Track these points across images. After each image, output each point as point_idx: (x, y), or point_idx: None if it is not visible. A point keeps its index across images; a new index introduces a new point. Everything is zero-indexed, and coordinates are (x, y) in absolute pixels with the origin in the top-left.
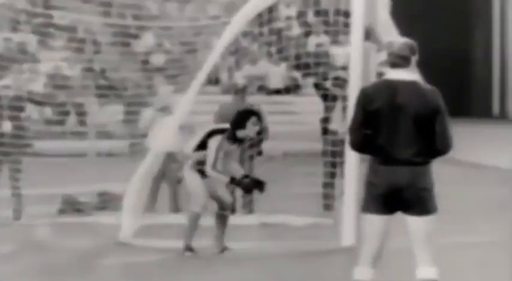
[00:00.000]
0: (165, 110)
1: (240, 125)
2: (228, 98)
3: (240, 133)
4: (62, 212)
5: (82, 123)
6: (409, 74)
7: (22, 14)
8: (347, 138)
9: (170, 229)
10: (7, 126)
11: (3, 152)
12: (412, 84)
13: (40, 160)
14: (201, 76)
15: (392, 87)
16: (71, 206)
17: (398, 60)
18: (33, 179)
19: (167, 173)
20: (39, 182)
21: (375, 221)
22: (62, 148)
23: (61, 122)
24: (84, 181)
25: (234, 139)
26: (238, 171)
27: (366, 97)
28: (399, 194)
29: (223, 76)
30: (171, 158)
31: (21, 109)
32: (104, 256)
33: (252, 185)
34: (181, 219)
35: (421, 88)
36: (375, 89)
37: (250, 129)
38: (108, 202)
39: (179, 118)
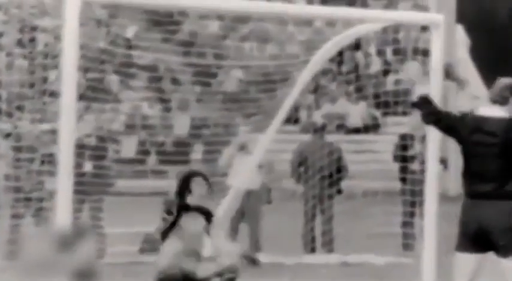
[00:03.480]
0: (245, 148)
1: (184, 191)
2: (307, 137)
3: (192, 200)
4: (143, 251)
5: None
6: (502, 111)
7: (104, 54)
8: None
9: (250, 268)
10: (88, 166)
11: (84, 192)
12: (502, 120)
13: (122, 199)
14: (281, 115)
15: (483, 121)
16: (152, 245)
17: (499, 99)
18: (115, 218)
19: (247, 211)
20: (121, 221)
21: (466, 260)
22: (144, 186)
23: (142, 161)
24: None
25: (187, 208)
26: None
27: (465, 121)
28: (487, 234)
29: (303, 115)
30: (250, 197)
31: (102, 149)
32: None
33: None
34: (261, 258)
35: (509, 123)
36: (471, 120)
37: (198, 191)
38: None
39: (258, 157)
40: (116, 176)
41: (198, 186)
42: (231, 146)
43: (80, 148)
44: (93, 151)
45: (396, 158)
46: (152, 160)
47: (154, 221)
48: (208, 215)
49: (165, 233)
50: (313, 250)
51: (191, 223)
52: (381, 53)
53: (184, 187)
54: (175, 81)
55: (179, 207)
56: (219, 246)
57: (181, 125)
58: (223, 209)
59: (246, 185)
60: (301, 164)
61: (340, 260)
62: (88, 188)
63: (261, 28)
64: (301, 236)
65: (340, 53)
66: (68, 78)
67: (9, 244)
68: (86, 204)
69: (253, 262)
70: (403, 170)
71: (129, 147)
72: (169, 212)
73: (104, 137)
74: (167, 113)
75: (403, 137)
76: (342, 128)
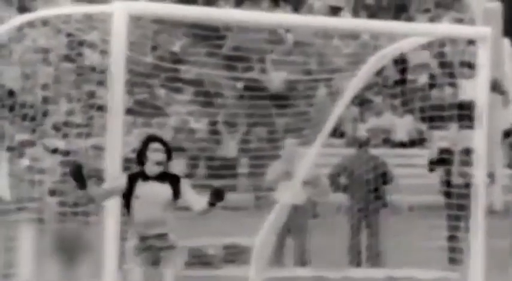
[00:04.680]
0: (292, 162)
1: (141, 158)
2: (351, 151)
3: (148, 168)
4: (190, 265)
5: (209, 176)
6: None
7: (151, 69)
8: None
9: None
10: None
11: None
12: None
13: None
14: (326, 129)
15: None
16: (199, 259)
17: None
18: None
19: (293, 225)
20: None
21: None
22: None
23: (189, 176)
24: (211, 233)
25: (145, 176)
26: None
27: None
28: None
29: (348, 128)
30: (297, 211)
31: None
32: None
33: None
34: (308, 272)
35: None
36: None
37: (153, 158)
38: (235, 255)
39: (305, 171)
40: None
41: (153, 153)
42: (278, 161)
43: (128, 162)
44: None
45: (432, 170)
46: (199, 173)
47: (201, 234)
48: (174, 180)
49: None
50: (358, 264)
51: (149, 192)
52: (426, 66)
53: (140, 153)
54: (221, 95)
55: (133, 175)
56: (191, 202)
57: (228, 141)
58: (270, 223)
59: (292, 199)
60: (344, 177)
61: (386, 274)
62: None
63: (305, 41)
64: (347, 250)
65: (386, 67)
66: (115, 92)
67: None
68: None
69: None
70: (446, 184)
71: (176, 161)
72: (77, 178)
73: None
74: (214, 127)
75: (442, 151)
76: (387, 142)
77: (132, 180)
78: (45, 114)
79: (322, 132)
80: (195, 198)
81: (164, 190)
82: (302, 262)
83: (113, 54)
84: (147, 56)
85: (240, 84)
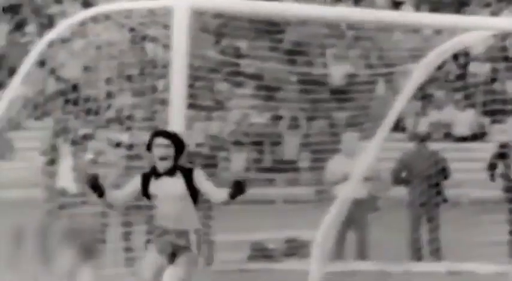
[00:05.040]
0: (353, 156)
1: (149, 152)
2: (412, 146)
3: (156, 164)
4: (252, 258)
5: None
6: None
7: (212, 63)
8: None
9: (357, 276)
10: None
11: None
12: None
13: (232, 207)
14: (387, 123)
15: None
16: (261, 252)
17: None
18: (224, 226)
19: (354, 220)
20: (231, 229)
21: None
22: (252, 194)
23: (248, 170)
24: (272, 227)
25: (157, 173)
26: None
27: None
28: None
29: (409, 123)
30: (357, 205)
31: (213, 158)
32: None
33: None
34: (368, 266)
35: None
36: None
37: (156, 153)
38: (297, 249)
39: (366, 165)
40: (225, 185)
41: (156, 148)
42: (338, 155)
43: (190, 156)
44: (204, 159)
45: (491, 166)
46: (260, 167)
47: (262, 228)
48: (187, 173)
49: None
50: (419, 259)
51: (162, 189)
52: (489, 59)
53: (148, 149)
54: (281, 89)
55: (146, 174)
56: (208, 193)
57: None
58: (331, 217)
59: (353, 194)
60: (404, 172)
61: (447, 268)
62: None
63: (366, 35)
64: (408, 245)
65: (447, 61)
66: (177, 87)
67: (125, 252)
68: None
69: None
70: (505, 178)
71: (238, 156)
72: (94, 188)
73: (216, 146)
74: (275, 121)
75: (503, 145)
76: (448, 136)
77: (146, 179)
78: (108, 108)
79: (383, 127)
80: (213, 189)
81: (176, 184)
82: (363, 256)
83: (175, 49)
84: (209, 51)
85: (299, 78)
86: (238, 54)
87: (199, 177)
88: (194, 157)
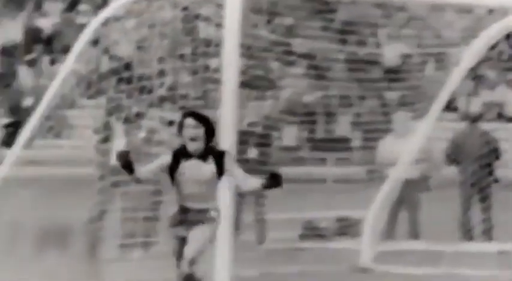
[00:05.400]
0: (404, 136)
1: (179, 132)
2: (463, 126)
3: (186, 145)
4: (304, 237)
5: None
6: None
7: (264, 42)
8: None
9: (409, 255)
10: (253, 152)
11: None
12: None
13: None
14: (439, 103)
15: None
16: (312, 231)
17: None
18: (276, 204)
19: (406, 199)
20: (282, 208)
21: None
22: (303, 173)
23: (297, 148)
24: (324, 206)
25: (187, 155)
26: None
27: None
28: None
29: (461, 102)
30: (409, 185)
31: (266, 137)
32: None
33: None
34: (420, 245)
35: None
36: None
37: (186, 134)
38: (348, 228)
39: (418, 145)
40: (278, 163)
41: (186, 129)
42: (390, 135)
43: (244, 135)
44: (258, 138)
45: None
46: (312, 147)
47: (313, 207)
48: (219, 157)
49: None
50: (470, 238)
51: (192, 171)
52: None
53: (179, 129)
54: (333, 69)
55: (177, 152)
56: (239, 180)
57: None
58: (382, 197)
59: (404, 173)
60: (456, 152)
61: (498, 248)
62: (252, 174)
63: (418, 15)
64: (458, 224)
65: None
66: (229, 66)
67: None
68: None
69: None
70: None
71: (289, 133)
72: (124, 165)
73: (269, 125)
74: (327, 100)
75: None
76: (500, 116)
77: (177, 157)
78: (161, 86)
79: (435, 107)
80: (244, 176)
81: (207, 168)
82: (414, 235)
83: (227, 28)
84: (262, 30)
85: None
86: (290, 34)
87: (232, 163)
88: (248, 136)
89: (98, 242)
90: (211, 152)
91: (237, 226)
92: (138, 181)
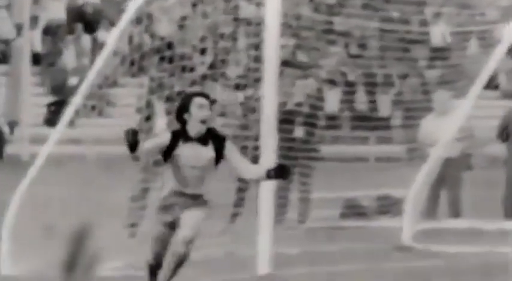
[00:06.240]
0: (445, 115)
1: (182, 115)
2: (507, 103)
3: (191, 127)
4: (345, 216)
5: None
6: None
7: (306, 21)
8: None
9: (450, 234)
10: (299, 132)
11: (293, 157)
12: None
13: (325, 165)
14: (480, 81)
15: None
16: (353, 210)
17: None
18: (317, 183)
19: (447, 178)
20: (323, 187)
21: None
22: (345, 152)
23: (336, 127)
24: (365, 185)
25: (186, 137)
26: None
27: None
28: None
29: (502, 80)
30: (450, 164)
31: (314, 116)
32: (386, 259)
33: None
34: (461, 224)
35: None
36: None
37: (198, 115)
38: (389, 206)
39: (459, 123)
40: (321, 142)
41: (199, 109)
42: (431, 113)
43: (289, 114)
44: (305, 117)
45: None
46: (353, 126)
47: (355, 186)
48: (218, 142)
49: (166, 156)
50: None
51: (189, 154)
52: None
53: (182, 109)
54: (373, 47)
55: (175, 134)
56: (239, 168)
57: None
58: (423, 175)
59: (446, 152)
60: (507, 129)
61: None
62: (296, 153)
63: None
64: (502, 202)
65: None
66: (271, 44)
67: None
68: (295, 169)
69: None
70: None
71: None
72: (131, 142)
73: (315, 104)
74: (368, 79)
75: None
76: None
77: (176, 138)
78: (202, 65)
79: (476, 85)
80: (246, 164)
81: (206, 153)
82: (456, 214)
83: (268, 7)
84: (302, 9)
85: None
86: (331, 12)
87: (232, 149)
88: (295, 116)
89: (141, 221)
90: (212, 136)
91: (284, 204)
92: (136, 158)
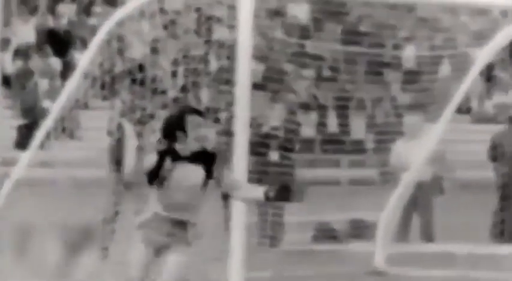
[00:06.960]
0: (416, 139)
1: (174, 133)
2: (479, 127)
3: (182, 144)
4: (317, 239)
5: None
6: None
7: (277, 43)
8: None
9: (423, 258)
10: (274, 155)
11: (267, 180)
12: None
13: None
14: (452, 105)
15: None
16: (326, 233)
17: None
18: (290, 206)
19: (419, 202)
20: (296, 210)
21: None
22: (317, 175)
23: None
24: (338, 208)
25: (175, 156)
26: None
27: None
28: None
29: (474, 104)
30: (422, 187)
31: (290, 140)
32: None
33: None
34: (434, 248)
35: None
36: None
37: (194, 135)
38: (362, 230)
39: (430, 147)
40: (297, 166)
41: (194, 127)
42: (402, 138)
43: (267, 137)
44: (280, 141)
45: None
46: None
47: (327, 209)
48: (209, 160)
49: (151, 178)
50: (502, 241)
51: (178, 175)
52: None
53: (175, 127)
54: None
55: (164, 152)
56: (232, 184)
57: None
58: (395, 199)
59: (417, 176)
60: (495, 153)
61: None
62: (272, 177)
63: (430, 17)
64: (494, 225)
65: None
66: (243, 67)
67: None
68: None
69: None
70: None
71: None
72: (117, 163)
73: (292, 129)
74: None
75: None
76: None
77: (162, 156)
78: (174, 88)
79: (448, 108)
80: (238, 181)
81: (195, 173)
82: (428, 237)
83: (240, 30)
84: (275, 31)
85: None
86: (303, 35)
87: (222, 166)
88: (270, 140)
89: (111, 244)
90: (201, 154)
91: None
92: (128, 186)
